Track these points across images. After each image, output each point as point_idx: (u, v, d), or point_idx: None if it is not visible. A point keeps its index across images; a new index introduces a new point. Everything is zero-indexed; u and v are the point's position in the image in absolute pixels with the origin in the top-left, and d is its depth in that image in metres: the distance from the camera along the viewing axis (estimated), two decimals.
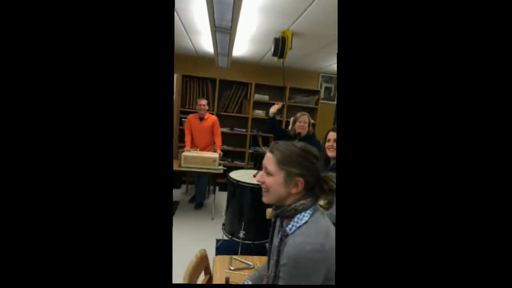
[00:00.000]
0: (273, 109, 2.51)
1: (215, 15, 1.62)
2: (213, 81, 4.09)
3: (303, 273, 0.66)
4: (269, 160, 0.81)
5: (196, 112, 3.34)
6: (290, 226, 0.76)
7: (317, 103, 4.33)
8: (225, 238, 2.48)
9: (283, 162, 0.78)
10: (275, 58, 2.51)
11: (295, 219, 0.77)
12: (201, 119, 3.30)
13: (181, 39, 3.15)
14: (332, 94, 4.56)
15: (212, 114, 3.57)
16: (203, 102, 3.23)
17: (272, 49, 2.43)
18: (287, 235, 0.75)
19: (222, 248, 2.49)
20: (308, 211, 0.77)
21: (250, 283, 0.97)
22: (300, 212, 0.77)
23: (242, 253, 2.18)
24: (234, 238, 2.30)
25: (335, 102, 4.59)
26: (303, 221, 0.75)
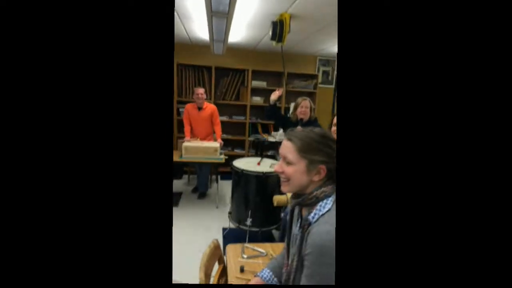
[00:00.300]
0: (274, 96, 2.45)
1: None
2: (208, 69, 4.01)
3: (329, 262, 0.66)
4: (288, 148, 0.78)
5: (194, 102, 3.29)
6: (312, 214, 0.75)
7: (315, 87, 4.28)
8: (232, 226, 2.50)
9: (304, 150, 0.76)
10: (273, 43, 2.46)
11: (317, 207, 0.75)
12: (200, 108, 3.25)
13: (175, 27, 3.05)
14: (330, 77, 4.51)
15: (210, 102, 3.52)
16: (201, 90, 3.16)
17: (270, 33, 2.36)
18: (310, 223, 0.74)
19: (229, 236, 2.52)
20: (330, 198, 0.76)
21: (268, 271, 0.98)
22: (322, 199, 0.76)
23: (249, 241, 2.21)
24: (241, 226, 2.31)
25: (334, 86, 4.55)
26: (326, 209, 0.74)
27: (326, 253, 0.67)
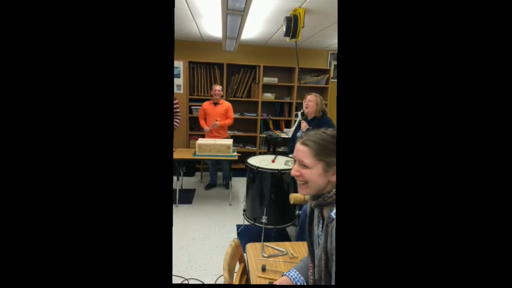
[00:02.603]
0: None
1: None
2: (220, 66, 4.01)
3: None
4: (304, 153, 0.78)
5: (208, 100, 3.44)
6: (334, 211, 0.75)
7: (327, 82, 4.23)
8: (246, 223, 2.51)
9: (320, 153, 0.76)
10: (287, 39, 2.43)
11: None
12: (216, 104, 3.40)
13: (187, 24, 3.05)
14: None
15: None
16: (218, 87, 3.35)
17: (284, 29, 2.33)
18: (333, 219, 0.74)
19: (244, 233, 2.53)
20: None
21: (295, 271, 0.98)
22: None
23: (264, 238, 2.21)
24: (256, 224, 2.32)
25: None
26: None
27: None
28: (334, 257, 0.74)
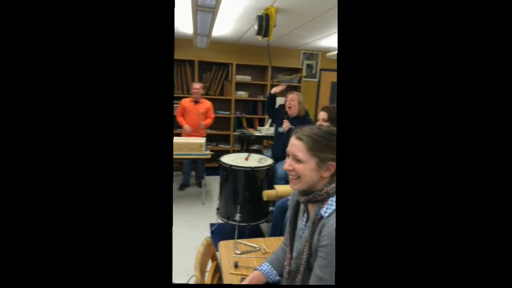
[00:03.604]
0: (275, 89, 2.66)
1: None
2: (191, 63, 3.93)
3: None
4: (298, 147, 0.78)
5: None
6: (324, 209, 0.76)
7: (299, 81, 4.31)
8: (219, 221, 2.50)
9: (315, 149, 0.76)
10: (259, 37, 2.44)
11: (329, 202, 0.77)
12: (196, 102, 3.34)
13: None
14: (314, 71, 4.55)
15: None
16: (198, 86, 3.30)
17: (256, 28, 2.34)
18: (321, 217, 0.75)
19: (217, 232, 2.52)
20: None
21: (267, 264, 0.99)
22: (333, 195, 0.77)
23: (238, 236, 2.21)
24: (230, 222, 2.31)
25: (317, 80, 4.60)
26: None
27: None
28: (319, 253, 0.75)
